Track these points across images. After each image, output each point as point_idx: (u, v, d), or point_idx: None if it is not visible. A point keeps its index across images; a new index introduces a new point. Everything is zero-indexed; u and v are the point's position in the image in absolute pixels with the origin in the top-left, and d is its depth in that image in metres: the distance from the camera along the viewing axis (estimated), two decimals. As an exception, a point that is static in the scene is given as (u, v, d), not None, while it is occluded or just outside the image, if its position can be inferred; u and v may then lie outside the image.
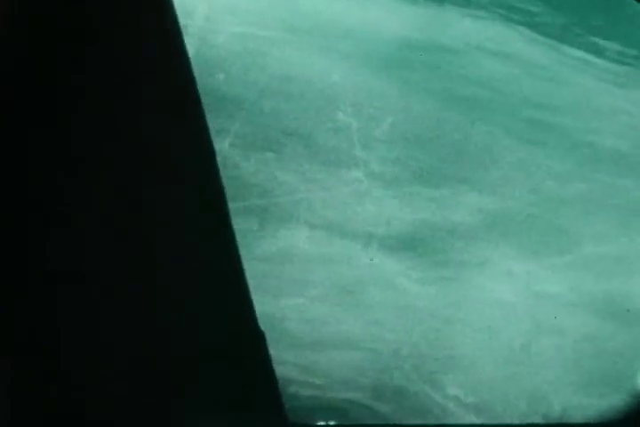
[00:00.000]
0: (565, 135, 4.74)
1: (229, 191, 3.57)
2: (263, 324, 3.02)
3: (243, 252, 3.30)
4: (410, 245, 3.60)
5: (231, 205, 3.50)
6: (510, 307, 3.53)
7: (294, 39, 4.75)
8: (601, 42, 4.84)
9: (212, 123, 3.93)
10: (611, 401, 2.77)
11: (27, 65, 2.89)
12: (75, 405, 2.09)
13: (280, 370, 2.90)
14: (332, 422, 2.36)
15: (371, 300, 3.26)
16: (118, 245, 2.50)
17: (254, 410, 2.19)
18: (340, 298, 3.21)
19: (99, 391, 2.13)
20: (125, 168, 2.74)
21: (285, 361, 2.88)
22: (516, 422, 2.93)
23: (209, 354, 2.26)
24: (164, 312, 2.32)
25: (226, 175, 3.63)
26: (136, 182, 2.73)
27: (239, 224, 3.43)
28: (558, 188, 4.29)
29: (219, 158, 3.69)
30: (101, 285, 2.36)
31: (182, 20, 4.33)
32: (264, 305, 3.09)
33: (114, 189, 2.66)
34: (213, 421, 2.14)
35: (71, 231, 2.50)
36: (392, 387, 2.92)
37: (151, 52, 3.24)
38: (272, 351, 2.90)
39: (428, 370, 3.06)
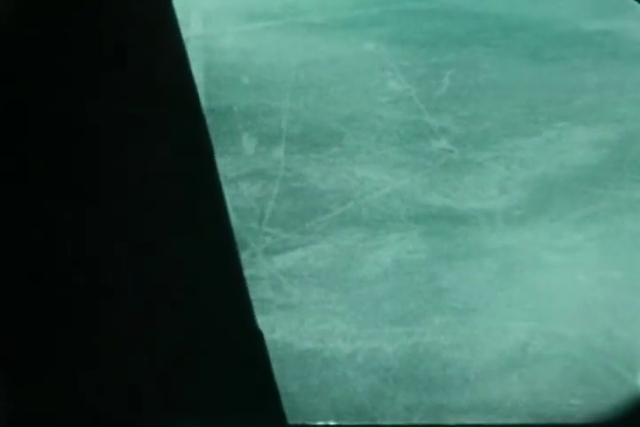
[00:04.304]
0: (631, 40, 3.87)
1: (303, 207, 2.73)
2: (419, 352, 2.15)
3: (352, 272, 2.43)
4: (538, 209, 2.70)
5: (314, 222, 2.64)
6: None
7: (300, 21, 3.94)
8: None
9: (257, 134, 3.13)
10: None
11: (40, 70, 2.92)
12: (74, 405, 1.99)
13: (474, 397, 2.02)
14: (331, 423, 2.00)
15: (529, 289, 2.36)
16: (119, 246, 2.40)
17: (253, 410, 2.02)
18: (491, 297, 2.32)
19: (98, 391, 2.02)
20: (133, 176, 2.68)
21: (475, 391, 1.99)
22: None
23: (208, 355, 2.11)
24: (164, 312, 2.19)
25: (291, 188, 2.78)
26: (138, 183, 2.65)
27: (336, 241, 2.55)
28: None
29: (276, 171, 2.87)
30: (102, 286, 2.28)
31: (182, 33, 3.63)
32: (408, 336, 2.20)
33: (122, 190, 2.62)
34: (213, 421, 1.99)
35: (72, 235, 2.43)
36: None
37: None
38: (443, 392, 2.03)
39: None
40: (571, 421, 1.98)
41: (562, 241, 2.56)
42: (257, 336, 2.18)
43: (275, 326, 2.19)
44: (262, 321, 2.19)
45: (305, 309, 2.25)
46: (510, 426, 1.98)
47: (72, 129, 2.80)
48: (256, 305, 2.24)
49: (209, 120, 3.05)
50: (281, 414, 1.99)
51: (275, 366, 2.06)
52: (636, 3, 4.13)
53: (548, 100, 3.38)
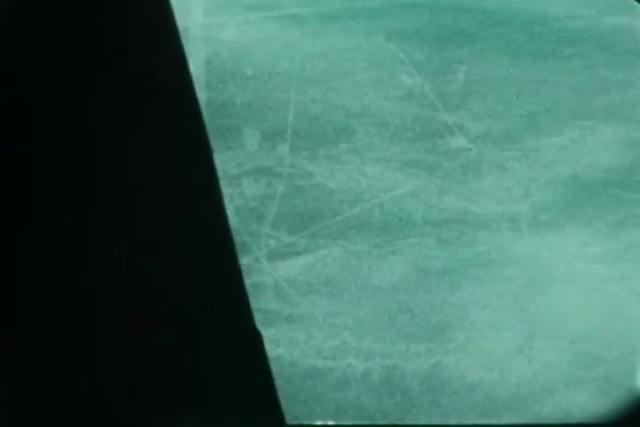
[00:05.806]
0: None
1: (310, 207, 2.50)
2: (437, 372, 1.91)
3: (364, 281, 2.20)
4: (566, 214, 2.46)
5: (322, 224, 2.42)
6: None
7: (306, 11, 3.72)
8: None
9: (261, 128, 2.90)
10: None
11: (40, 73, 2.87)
12: (74, 405, 2.01)
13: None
14: (330, 423, 1.97)
15: (560, 302, 2.12)
16: (119, 246, 2.37)
17: (252, 410, 2.02)
18: (518, 311, 2.07)
19: (98, 391, 2.05)
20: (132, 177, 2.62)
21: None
22: None
23: (208, 354, 2.09)
24: (164, 312, 2.17)
25: (297, 187, 2.54)
26: (137, 183, 2.61)
27: (347, 246, 2.31)
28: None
29: (281, 168, 2.64)
30: (102, 286, 2.26)
31: (182, 22, 3.46)
32: (429, 354, 1.96)
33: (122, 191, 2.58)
34: (213, 421, 2.00)
35: (72, 235, 2.40)
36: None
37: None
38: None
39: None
40: (571, 421, 1.84)
41: (594, 249, 2.32)
42: (257, 336, 2.13)
43: (279, 341, 1.96)
44: (265, 335, 1.96)
45: (313, 321, 2.02)
46: (507, 426, 1.87)
47: (72, 129, 2.75)
48: (259, 317, 2.02)
49: (209, 114, 2.85)
50: (279, 414, 1.94)
51: (279, 385, 1.84)
52: (636, 3, 3.98)
53: (570, 97, 3.14)
